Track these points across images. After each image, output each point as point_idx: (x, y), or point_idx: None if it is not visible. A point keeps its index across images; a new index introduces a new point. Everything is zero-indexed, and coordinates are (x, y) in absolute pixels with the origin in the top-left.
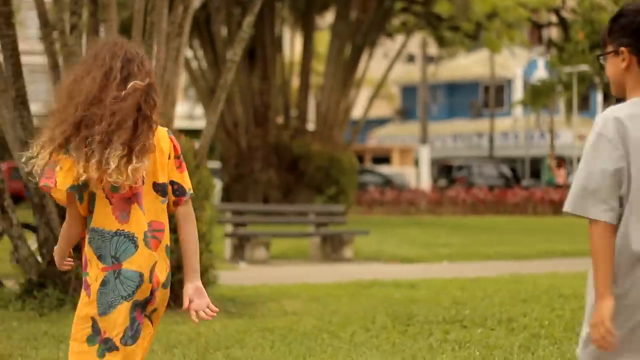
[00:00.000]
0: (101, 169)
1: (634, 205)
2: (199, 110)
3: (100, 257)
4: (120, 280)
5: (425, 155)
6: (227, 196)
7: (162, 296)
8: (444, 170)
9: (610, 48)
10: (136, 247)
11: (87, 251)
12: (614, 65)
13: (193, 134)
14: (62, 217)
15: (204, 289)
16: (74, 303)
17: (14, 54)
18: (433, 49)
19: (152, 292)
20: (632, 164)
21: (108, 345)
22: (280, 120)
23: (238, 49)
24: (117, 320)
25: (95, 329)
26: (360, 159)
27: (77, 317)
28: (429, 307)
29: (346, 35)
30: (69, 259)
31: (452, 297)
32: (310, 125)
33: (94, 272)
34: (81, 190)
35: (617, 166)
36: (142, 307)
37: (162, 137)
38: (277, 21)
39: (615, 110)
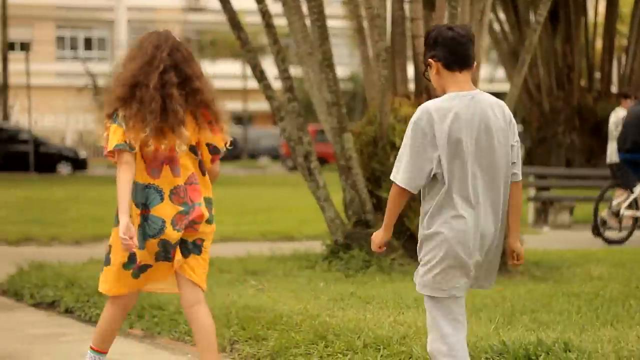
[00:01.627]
0: (142, 136)
1: (448, 178)
2: (500, 73)
3: (136, 204)
4: (148, 223)
5: None
6: (529, 159)
7: (208, 229)
8: None
9: (427, 59)
10: (162, 199)
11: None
12: (431, 72)
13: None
14: (367, 179)
15: None
16: (380, 265)
17: (320, 18)
18: None
19: (191, 224)
20: (438, 146)
21: (144, 268)
22: (583, 82)
23: (543, 10)
24: (150, 251)
25: (132, 259)
26: None
27: (116, 248)
28: None
29: None
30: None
31: None
32: (614, 88)
33: (133, 216)
34: (129, 146)
35: (427, 147)
36: (172, 242)
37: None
38: None
39: (429, 103)
